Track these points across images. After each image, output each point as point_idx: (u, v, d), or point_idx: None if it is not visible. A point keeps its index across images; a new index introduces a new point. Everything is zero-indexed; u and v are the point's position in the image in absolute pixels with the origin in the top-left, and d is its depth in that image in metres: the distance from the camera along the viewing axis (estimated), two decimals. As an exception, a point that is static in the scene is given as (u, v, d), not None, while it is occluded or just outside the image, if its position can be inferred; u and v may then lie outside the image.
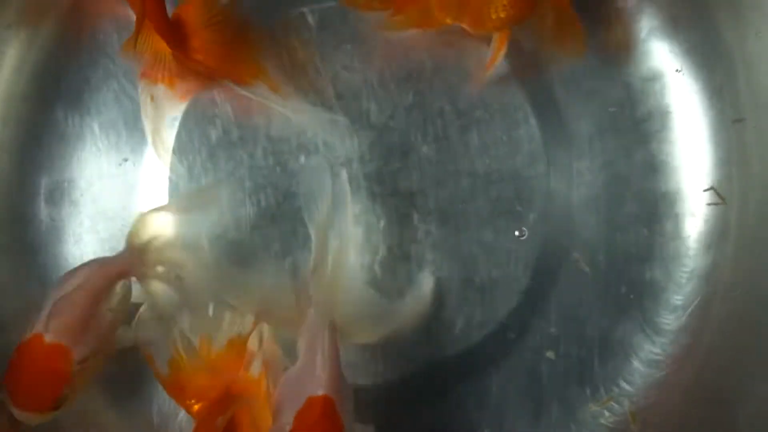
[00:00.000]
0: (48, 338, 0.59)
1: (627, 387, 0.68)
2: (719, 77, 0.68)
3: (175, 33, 0.64)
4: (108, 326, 0.62)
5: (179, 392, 0.62)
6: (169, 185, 0.69)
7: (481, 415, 0.68)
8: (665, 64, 0.69)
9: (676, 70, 0.68)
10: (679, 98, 0.69)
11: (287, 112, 0.68)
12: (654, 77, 0.69)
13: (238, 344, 0.62)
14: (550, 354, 0.68)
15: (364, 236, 0.69)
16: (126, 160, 0.70)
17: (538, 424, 0.68)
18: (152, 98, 0.67)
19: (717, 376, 0.66)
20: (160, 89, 0.67)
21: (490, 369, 0.68)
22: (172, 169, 0.69)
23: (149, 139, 0.68)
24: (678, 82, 0.69)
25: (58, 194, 0.70)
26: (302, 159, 0.69)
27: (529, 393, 0.68)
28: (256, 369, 0.61)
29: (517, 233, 0.68)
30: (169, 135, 0.69)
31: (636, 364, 0.68)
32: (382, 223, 0.69)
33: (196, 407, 0.61)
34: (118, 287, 0.64)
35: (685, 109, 0.69)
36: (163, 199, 0.70)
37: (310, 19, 0.70)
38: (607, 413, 0.67)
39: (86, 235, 0.70)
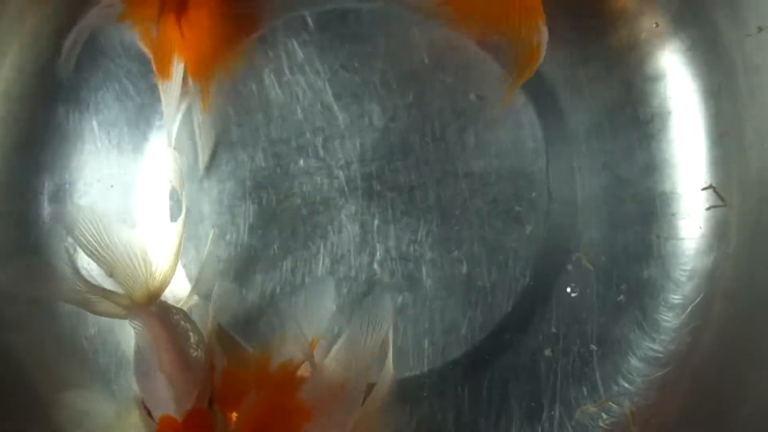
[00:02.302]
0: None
1: (626, 386, 0.67)
2: (719, 77, 0.67)
3: None
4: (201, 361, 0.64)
5: (224, 401, 0.63)
6: (168, 185, 0.70)
7: (479, 413, 0.68)
8: (665, 64, 0.69)
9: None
10: (680, 98, 0.69)
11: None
12: (654, 77, 0.69)
13: (291, 367, 0.63)
14: (549, 353, 0.68)
15: (362, 236, 0.69)
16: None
17: (537, 424, 0.67)
18: (109, 5, 0.66)
19: (717, 375, 0.65)
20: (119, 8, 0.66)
21: (489, 367, 0.68)
22: (171, 170, 0.70)
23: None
24: (678, 83, 0.69)
25: (61, 195, 0.70)
26: (301, 162, 0.70)
27: (527, 392, 0.68)
28: (307, 394, 0.62)
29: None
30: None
31: (636, 362, 0.68)
32: (381, 223, 0.69)
33: (235, 419, 0.62)
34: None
35: (685, 108, 0.69)
36: (163, 200, 0.70)
37: (310, 21, 0.70)
38: (604, 415, 0.67)
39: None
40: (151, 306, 0.63)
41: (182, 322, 0.64)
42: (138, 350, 0.63)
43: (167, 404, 0.61)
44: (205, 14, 0.66)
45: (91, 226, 0.62)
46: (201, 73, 0.67)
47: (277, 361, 0.63)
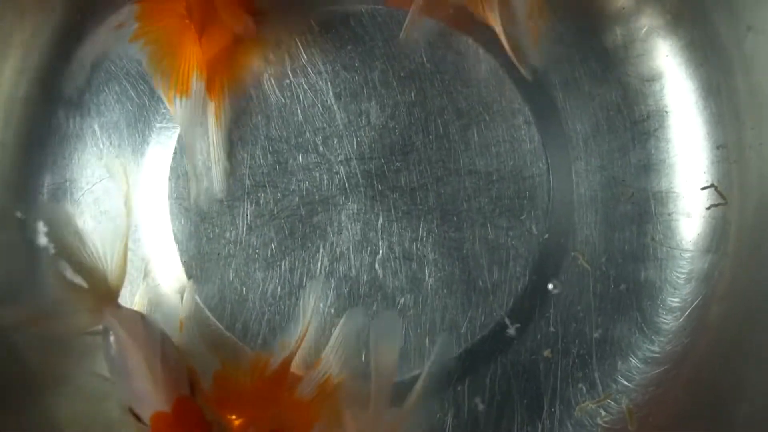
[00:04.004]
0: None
1: (625, 385, 0.68)
2: (717, 77, 0.68)
3: None
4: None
5: (220, 406, 0.62)
6: (168, 185, 0.70)
7: (479, 413, 0.68)
8: (662, 63, 0.69)
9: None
10: (677, 98, 0.69)
11: (192, 130, 0.68)
12: (652, 77, 0.69)
13: (285, 365, 0.63)
14: (548, 352, 0.68)
15: (364, 234, 0.69)
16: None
17: (537, 423, 0.68)
18: (119, 25, 0.66)
19: (715, 375, 0.66)
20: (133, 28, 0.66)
21: (489, 367, 0.69)
22: (171, 170, 0.70)
23: None
24: (676, 82, 0.69)
25: (61, 194, 0.70)
26: (300, 158, 0.70)
27: (527, 391, 0.68)
28: (305, 391, 0.62)
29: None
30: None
31: (634, 362, 0.68)
32: (382, 222, 0.69)
33: (237, 422, 0.62)
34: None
35: (682, 108, 0.69)
36: (163, 199, 0.70)
37: (313, 21, 0.70)
38: (603, 412, 0.68)
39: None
40: (114, 304, 0.63)
41: (144, 318, 0.64)
42: (109, 357, 0.63)
43: (153, 401, 0.60)
44: (223, 29, 0.66)
45: (61, 223, 0.63)
46: (216, 88, 0.67)
47: (275, 362, 0.63)
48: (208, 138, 0.68)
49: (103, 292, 0.63)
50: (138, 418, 0.62)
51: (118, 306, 0.63)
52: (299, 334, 0.65)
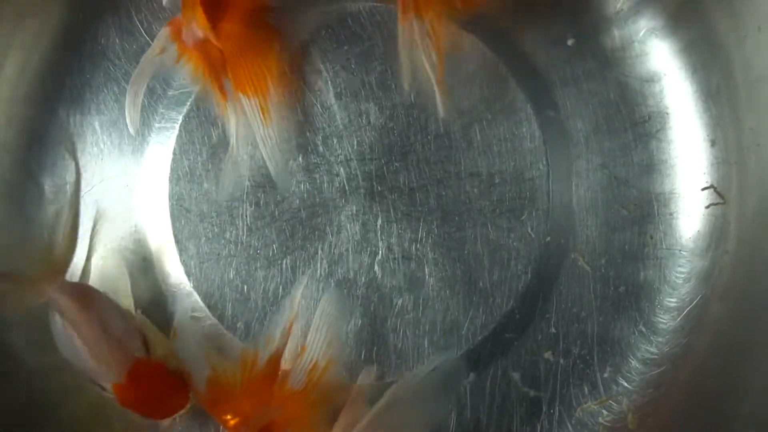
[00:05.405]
0: None
1: (625, 385, 0.68)
2: (717, 77, 0.68)
3: None
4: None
5: (216, 408, 0.63)
6: (169, 186, 0.70)
7: (480, 413, 0.68)
8: (663, 64, 0.69)
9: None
10: (677, 98, 0.69)
11: (251, 139, 0.67)
12: (652, 78, 0.69)
13: (275, 360, 0.64)
14: (549, 353, 0.68)
15: (363, 235, 0.69)
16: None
17: (538, 423, 0.68)
18: (161, 51, 0.65)
19: (714, 375, 0.66)
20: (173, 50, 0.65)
21: (490, 368, 0.69)
22: (172, 170, 0.70)
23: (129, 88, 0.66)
24: (676, 83, 0.69)
25: (62, 195, 0.70)
26: (300, 158, 0.70)
27: (528, 392, 0.68)
28: (296, 381, 0.63)
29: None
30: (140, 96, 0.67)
31: (634, 363, 0.68)
32: (381, 222, 0.69)
33: (232, 422, 0.62)
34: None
35: (682, 109, 0.69)
36: (163, 200, 0.70)
37: (311, 22, 0.70)
38: (605, 412, 0.68)
39: (87, 235, 0.70)
40: (58, 279, 0.63)
41: (91, 292, 0.64)
42: (56, 332, 0.63)
43: (105, 375, 0.61)
44: (239, 26, 0.65)
45: None
46: (255, 87, 0.66)
47: (264, 357, 0.64)
48: (257, 134, 0.67)
49: (48, 267, 0.63)
50: (102, 388, 0.63)
51: (63, 282, 0.63)
52: (284, 328, 0.65)
